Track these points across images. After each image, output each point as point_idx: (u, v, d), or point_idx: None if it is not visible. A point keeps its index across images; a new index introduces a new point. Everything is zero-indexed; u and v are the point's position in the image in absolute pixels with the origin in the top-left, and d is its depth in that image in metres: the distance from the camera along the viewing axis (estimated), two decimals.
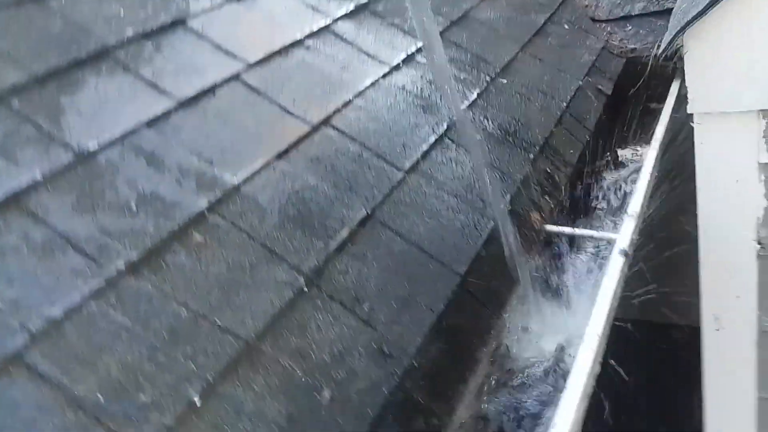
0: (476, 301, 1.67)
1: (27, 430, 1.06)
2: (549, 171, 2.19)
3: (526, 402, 1.56)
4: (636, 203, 2.04)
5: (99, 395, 1.14)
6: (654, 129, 2.44)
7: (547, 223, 2.03)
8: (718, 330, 2.43)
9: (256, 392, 1.24)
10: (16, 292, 1.23)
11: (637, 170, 2.23)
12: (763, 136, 2.09)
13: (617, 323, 1.74)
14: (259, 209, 1.58)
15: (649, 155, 2.26)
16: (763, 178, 2.13)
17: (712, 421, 2.61)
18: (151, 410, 1.15)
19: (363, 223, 1.68)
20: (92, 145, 1.54)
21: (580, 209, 2.21)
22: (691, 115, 2.19)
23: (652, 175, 2.20)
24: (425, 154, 1.97)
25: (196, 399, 1.18)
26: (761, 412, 2.48)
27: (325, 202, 1.68)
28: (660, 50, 2.19)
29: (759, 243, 2.21)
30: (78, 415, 1.10)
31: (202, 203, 1.52)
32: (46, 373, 1.13)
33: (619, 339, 1.77)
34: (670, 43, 2.06)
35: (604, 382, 1.59)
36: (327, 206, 1.67)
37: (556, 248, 2.02)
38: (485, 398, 1.57)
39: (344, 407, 1.29)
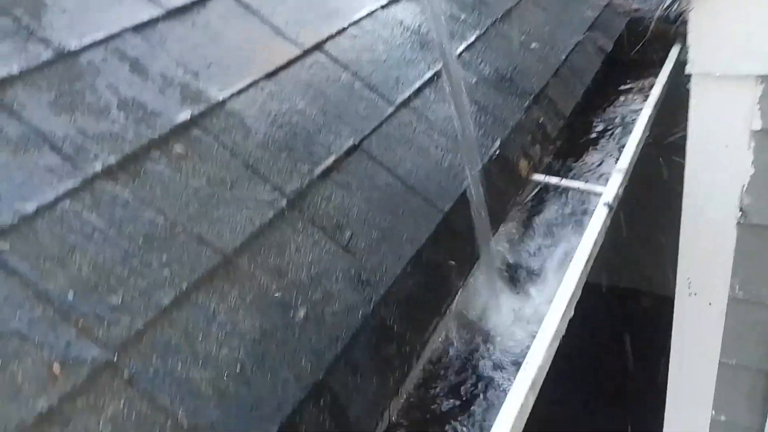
0: (458, 238, 1.66)
1: None
2: (541, 120, 2.16)
3: (498, 339, 1.58)
4: (625, 159, 2.03)
5: (69, 293, 1.11)
6: (651, 89, 2.41)
7: (534, 172, 2.02)
8: (690, 295, 2.46)
9: (230, 304, 1.23)
10: None
11: (630, 128, 2.22)
12: (758, 103, 2.07)
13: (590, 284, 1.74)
14: (243, 127, 1.54)
15: (643, 113, 2.24)
16: (753, 145, 2.12)
17: (674, 383, 2.67)
18: (122, 312, 1.13)
19: (349, 152, 1.65)
20: (74, 44, 1.47)
21: (569, 160, 2.19)
22: (689, 76, 2.16)
23: (644, 133, 2.18)
24: (418, 91, 1.92)
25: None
26: (721, 377, 2.54)
27: (312, 128, 1.64)
28: (665, 6, 2.14)
29: (741, 210, 2.22)
30: (46, 311, 1.08)
31: (185, 115, 1.48)
32: (16, 266, 1.10)
33: (590, 301, 1.77)
34: None
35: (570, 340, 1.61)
36: (314, 132, 1.64)
37: (541, 197, 2.01)
38: (458, 333, 1.58)
39: (318, 327, 1.29)
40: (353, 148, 1.65)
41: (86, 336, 1.08)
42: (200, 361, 1.13)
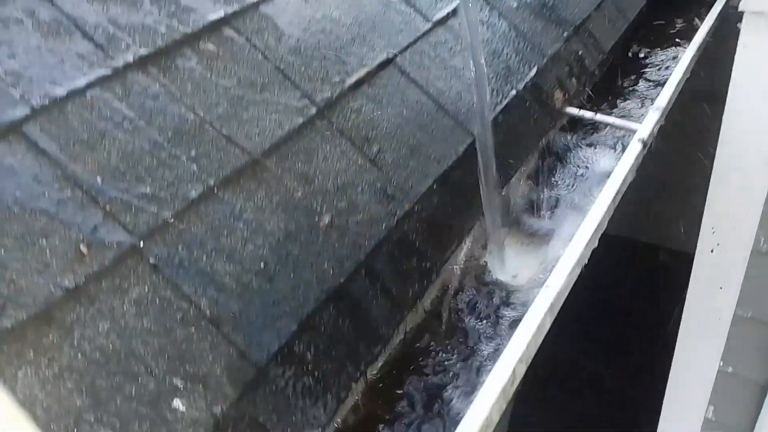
0: None
1: (23, 198, 1.04)
2: (580, 53, 2.08)
3: (515, 266, 1.57)
4: (664, 97, 1.96)
5: (98, 178, 1.11)
6: (697, 29, 2.31)
7: (568, 105, 1.96)
8: (712, 245, 2.43)
9: (257, 204, 1.23)
10: (19, 65, 1.17)
11: (672, 67, 2.13)
12: None
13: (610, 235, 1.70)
14: (276, 31, 1.50)
15: (686, 53, 2.15)
16: None
17: (685, 332, 2.68)
18: (149, 201, 1.13)
19: (382, 66, 1.61)
20: None
21: (605, 97, 2.13)
22: (741, 14, 2.06)
23: (684, 74, 2.10)
24: (457, 10, 1.85)
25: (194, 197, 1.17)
26: (733, 329, 2.54)
27: (346, 38, 1.59)
28: None
29: None
30: (75, 193, 1.08)
31: (218, 13, 1.44)
32: (45, 147, 1.10)
33: (607, 252, 1.74)
34: None
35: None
36: (347, 42, 1.59)
37: (574, 130, 1.96)
38: (474, 258, 1.58)
39: (342, 234, 1.29)
40: (386, 62, 1.61)
41: (113, 220, 1.08)
42: (225, 255, 1.14)
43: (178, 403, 0.98)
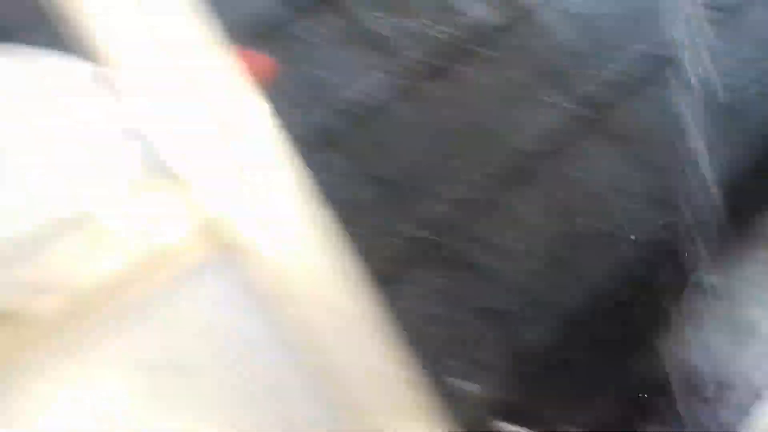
0: None
1: None
2: None
3: None
4: None
5: None
6: None
7: None
8: None
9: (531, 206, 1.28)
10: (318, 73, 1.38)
11: None
12: None
13: None
14: (548, 29, 1.51)
15: None
16: None
17: None
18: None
19: (660, 64, 1.51)
20: None
21: None
22: None
23: None
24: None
25: None
26: None
27: (619, 31, 1.54)
28: None
29: None
30: None
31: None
32: None
33: None
34: None
35: None
36: (624, 37, 1.53)
37: None
38: None
39: (610, 241, 1.27)
40: (671, 60, 1.51)
41: None
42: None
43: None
